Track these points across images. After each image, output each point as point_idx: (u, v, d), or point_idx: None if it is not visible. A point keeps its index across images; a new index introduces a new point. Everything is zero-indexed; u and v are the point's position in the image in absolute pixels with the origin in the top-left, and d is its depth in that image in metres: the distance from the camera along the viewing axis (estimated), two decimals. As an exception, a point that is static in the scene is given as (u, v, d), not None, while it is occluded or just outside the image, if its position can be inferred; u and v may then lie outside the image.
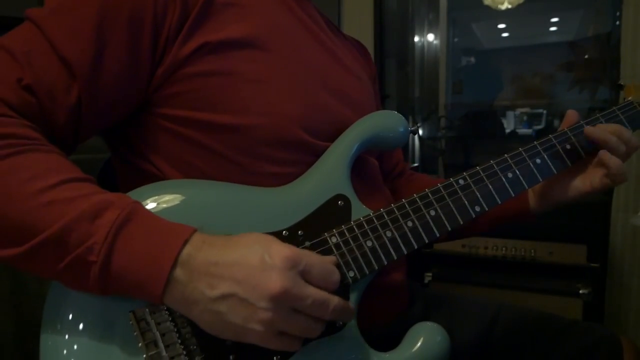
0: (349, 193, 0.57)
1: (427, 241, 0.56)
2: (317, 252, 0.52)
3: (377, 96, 0.85)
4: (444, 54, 2.66)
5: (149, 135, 0.57)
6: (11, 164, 0.44)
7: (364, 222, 0.55)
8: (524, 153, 0.63)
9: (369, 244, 0.54)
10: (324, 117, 0.60)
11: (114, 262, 0.43)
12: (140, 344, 0.46)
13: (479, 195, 0.59)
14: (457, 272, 1.56)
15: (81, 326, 0.47)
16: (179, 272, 0.44)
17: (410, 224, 0.56)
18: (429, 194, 0.58)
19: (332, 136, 0.60)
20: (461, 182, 0.59)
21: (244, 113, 0.55)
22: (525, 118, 3.00)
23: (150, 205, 0.50)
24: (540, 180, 0.63)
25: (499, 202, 0.60)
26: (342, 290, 0.51)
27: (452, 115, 2.68)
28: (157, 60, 0.53)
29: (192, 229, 0.46)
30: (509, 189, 0.61)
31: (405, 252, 0.55)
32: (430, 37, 2.66)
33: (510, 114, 2.95)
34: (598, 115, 0.68)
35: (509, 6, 2.47)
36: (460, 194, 0.59)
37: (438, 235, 0.57)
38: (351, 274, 0.52)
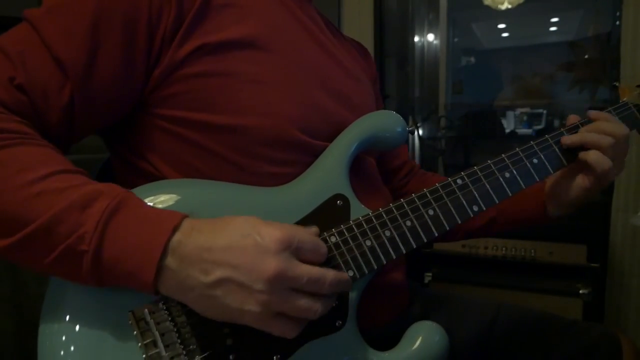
0: (348, 193, 0.57)
1: (425, 240, 0.56)
2: None
3: (379, 97, 0.85)
4: (444, 54, 2.66)
5: (147, 135, 0.57)
6: (1, 157, 0.44)
7: (362, 222, 0.55)
8: (520, 153, 0.63)
9: (368, 243, 0.54)
10: (322, 118, 0.60)
11: (105, 251, 0.43)
12: (139, 344, 0.46)
13: (476, 195, 0.59)
14: (457, 272, 1.56)
15: (79, 326, 0.47)
16: (169, 260, 0.44)
17: (408, 223, 0.56)
18: (427, 194, 0.58)
19: (331, 137, 0.61)
20: (459, 181, 0.60)
21: (242, 114, 0.55)
22: (525, 118, 3.00)
23: (148, 204, 0.50)
24: (537, 179, 0.63)
25: (497, 202, 0.60)
26: None
27: (452, 115, 2.68)
28: (154, 61, 0.53)
29: (181, 215, 0.46)
30: (507, 188, 0.61)
31: (404, 252, 0.55)
32: (430, 37, 2.66)
33: (510, 114, 2.95)
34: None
35: (509, 6, 2.47)
36: (459, 193, 0.59)
37: (437, 234, 0.57)
38: (350, 273, 0.52)
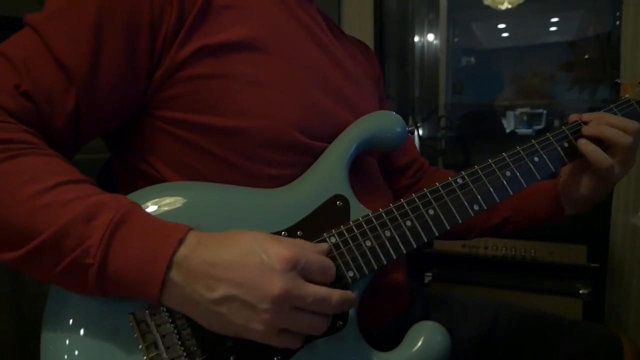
0: (348, 193, 0.57)
1: (426, 240, 0.56)
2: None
3: (383, 97, 0.85)
4: (444, 54, 2.66)
5: (147, 137, 0.57)
6: (7, 167, 0.44)
7: (362, 222, 0.55)
8: (522, 152, 0.63)
9: (368, 243, 0.54)
10: (322, 119, 0.60)
11: (110, 264, 0.43)
12: (140, 346, 0.46)
13: (477, 194, 0.59)
14: (457, 272, 1.56)
15: (81, 328, 0.47)
16: (174, 274, 0.44)
17: (409, 223, 0.56)
18: (428, 194, 0.58)
19: (330, 138, 0.60)
20: (460, 181, 0.59)
21: (242, 116, 0.55)
22: (525, 118, 3.00)
23: (149, 207, 0.50)
24: (539, 178, 0.63)
25: (497, 201, 0.60)
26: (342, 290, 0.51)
27: (452, 115, 2.68)
28: (155, 63, 0.53)
29: (186, 228, 0.46)
30: (508, 187, 0.61)
31: (405, 252, 0.55)
32: (430, 37, 2.66)
33: (510, 114, 2.95)
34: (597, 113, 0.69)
35: (509, 6, 2.47)
36: (459, 192, 0.59)
37: (437, 234, 0.57)
38: (350, 274, 0.52)
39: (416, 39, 2.57)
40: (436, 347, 0.55)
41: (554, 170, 0.64)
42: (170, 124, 0.55)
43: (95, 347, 0.46)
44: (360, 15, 1.89)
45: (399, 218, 0.56)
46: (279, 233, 0.53)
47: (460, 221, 0.58)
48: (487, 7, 2.53)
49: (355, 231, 0.54)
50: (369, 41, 1.89)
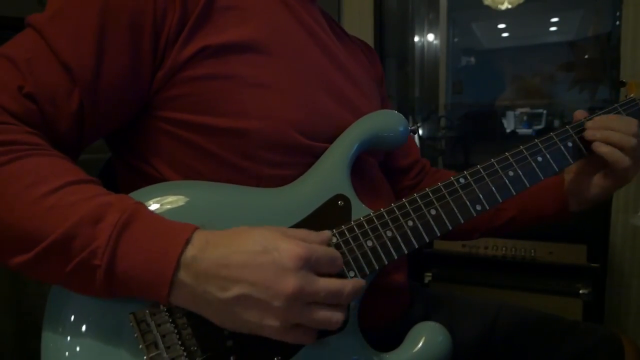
0: (349, 193, 0.57)
1: (427, 240, 0.56)
2: None
3: (385, 98, 0.85)
4: (444, 54, 2.66)
5: (148, 137, 0.57)
6: (13, 169, 0.44)
7: (364, 222, 0.55)
8: (525, 151, 0.63)
9: (370, 243, 0.54)
10: (323, 120, 0.60)
11: (117, 265, 0.43)
12: (140, 346, 0.46)
13: (479, 194, 0.59)
14: (457, 272, 1.56)
15: (82, 328, 0.47)
16: (183, 275, 0.44)
17: (410, 223, 0.56)
18: (430, 193, 0.58)
19: (332, 138, 0.60)
20: (462, 180, 0.59)
21: (243, 117, 0.55)
22: (525, 118, 3.00)
23: (150, 206, 0.50)
24: (542, 178, 0.63)
25: (500, 201, 0.60)
26: None
27: (452, 115, 2.68)
28: (158, 63, 0.53)
29: (192, 228, 0.46)
30: (510, 187, 0.61)
31: (406, 252, 0.55)
32: (430, 37, 2.66)
33: (510, 114, 2.95)
34: (600, 112, 0.68)
35: (509, 6, 2.47)
36: (461, 192, 0.59)
37: (439, 234, 0.57)
38: (352, 274, 0.52)
39: (416, 39, 2.57)
40: (437, 348, 0.55)
41: (557, 170, 0.64)
42: (172, 125, 0.55)
43: (95, 347, 0.46)
44: (360, 15, 1.89)
45: (400, 218, 0.56)
46: (280, 232, 0.53)
47: (462, 221, 0.58)
48: (487, 7, 2.53)
49: (357, 231, 0.54)
50: (369, 41, 1.88)
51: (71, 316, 0.47)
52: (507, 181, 0.60)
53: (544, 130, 2.85)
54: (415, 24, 2.55)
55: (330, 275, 0.46)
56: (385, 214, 0.56)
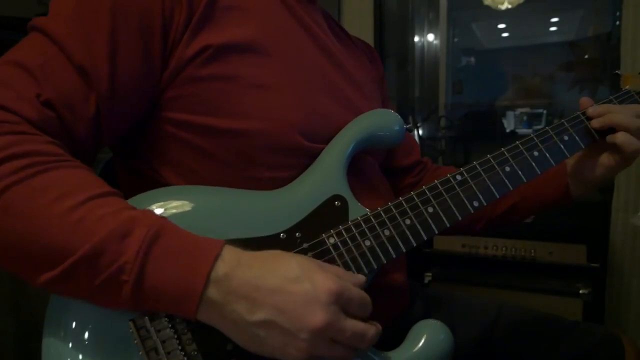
0: (346, 193, 0.57)
1: (425, 238, 0.56)
2: (315, 254, 0.52)
3: (386, 99, 0.85)
4: (444, 54, 2.66)
5: (150, 137, 0.57)
6: (37, 183, 0.43)
7: (361, 222, 0.55)
8: (521, 146, 0.63)
9: (367, 243, 0.54)
10: (323, 121, 0.60)
11: (146, 280, 0.43)
12: (140, 352, 0.46)
13: (476, 190, 0.59)
14: (457, 272, 1.56)
15: (82, 334, 0.47)
16: (212, 292, 0.43)
17: (408, 222, 0.56)
18: (426, 191, 0.58)
19: (330, 140, 0.60)
20: (458, 177, 0.59)
21: (244, 118, 0.54)
22: (525, 118, 2.99)
23: (156, 211, 0.50)
24: (539, 172, 0.63)
25: (497, 197, 0.60)
26: None
27: (452, 115, 2.68)
28: (165, 63, 0.53)
29: (221, 243, 0.45)
30: (507, 182, 0.61)
31: (404, 250, 0.55)
32: (430, 37, 2.66)
33: (510, 114, 2.94)
34: (595, 105, 0.69)
35: (509, 6, 2.47)
36: (458, 189, 0.59)
37: (437, 232, 0.57)
38: (351, 273, 0.52)
39: (416, 39, 2.57)
40: (439, 346, 0.55)
41: (554, 164, 0.64)
42: (173, 125, 0.55)
43: (96, 353, 0.46)
44: (360, 15, 1.88)
45: (398, 217, 0.56)
46: (277, 234, 0.53)
47: (459, 218, 0.58)
48: (487, 7, 2.52)
49: (354, 231, 0.54)
50: (369, 41, 1.88)
51: (72, 322, 0.47)
52: (503, 177, 0.61)
53: (544, 130, 2.83)
54: (415, 24, 2.55)
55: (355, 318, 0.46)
56: (382, 213, 0.56)
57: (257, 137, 0.55)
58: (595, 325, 0.74)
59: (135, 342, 0.46)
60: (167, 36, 0.52)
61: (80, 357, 0.46)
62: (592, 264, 1.41)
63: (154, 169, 0.57)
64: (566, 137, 0.65)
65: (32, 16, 0.54)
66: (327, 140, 0.60)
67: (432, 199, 0.57)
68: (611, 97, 0.70)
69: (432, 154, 2.46)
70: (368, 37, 1.89)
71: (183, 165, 0.56)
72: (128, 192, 0.51)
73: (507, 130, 2.83)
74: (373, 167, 0.69)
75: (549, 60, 2.82)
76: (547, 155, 0.63)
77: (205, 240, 0.46)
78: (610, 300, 1.51)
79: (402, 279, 0.67)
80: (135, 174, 0.60)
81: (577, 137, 0.66)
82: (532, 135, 0.64)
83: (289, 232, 0.53)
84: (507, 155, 0.62)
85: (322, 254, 0.52)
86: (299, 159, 0.58)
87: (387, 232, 0.55)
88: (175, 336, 0.46)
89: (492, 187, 0.60)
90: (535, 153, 0.63)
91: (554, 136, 0.65)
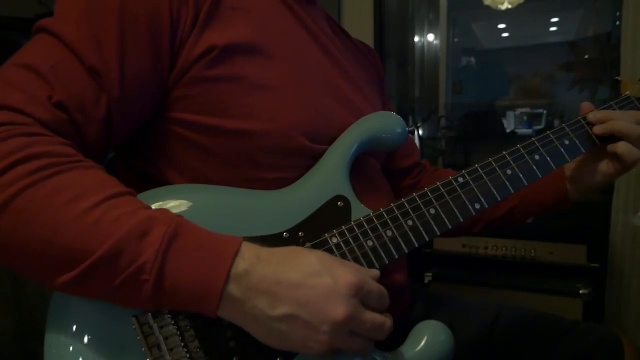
0: (349, 194, 0.57)
1: (427, 239, 0.57)
2: None
3: (387, 100, 0.85)
4: (444, 54, 2.66)
5: (154, 137, 0.57)
6: (52, 185, 0.43)
7: (363, 222, 0.55)
8: (522, 150, 0.63)
9: (370, 243, 0.54)
10: (326, 122, 0.60)
11: (166, 279, 0.43)
12: (143, 348, 0.46)
13: (478, 193, 0.59)
14: (457, 272, 1.56)
15: (85, 332, 0.47)
16: (233, 288, 0.44)
17: (410, 222, 0.56)
18: (428, 193, 0.58)
19: (333, 141, 0.61)
20: (460, 180, 0.60)
21: (249, 118, 0.55)
22: (525, 118, 2.99)
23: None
24: (540, 176, 0.63)
25: (498, 199, 0.60)
26: None
27: (452, 115, 2.68)
28: (173, 63, 0.53)
29: (239, 240, 0.45)
30: (508, 185, 0.61)
31: (406, 251, 0.55)
32: (430, 37, 2.66)
33: (510, 114, 2.94)
34: (596, 110, 0.69)
35: (509, 6, 2.47)
36: (460, 191, 0.59)
37: (439, 233, 0.57)
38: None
39: (416, 39, 2.57)
40: (439, 346, 0.55)
41: (554, 168, 0.64)
42: (178, 125, 0.55)
43: (98, 350, 0.46)
44: (360, 15, 1.89)
45: (400, 217, 0.56)
46: (280, 233, 0.53)
47: (461, 220, 0.58)
48: (487, 7, 2.52)
49: (357, 231, 0.54)
50: (369, 41, 1.89)
51: (74, 319, 0.47)
52: (504, 180, 0.61)
53: (543, 131, 2.83)
54: (415, 24, 2.55)
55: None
56: (384, 214, 0.56)
57: (262, 137, 0.55)
58: (595, 325, 0.74)
59: (138, 338, 0.46)
60: (175, 36, 0.52)
61: (83, 353, 0.46)
62: (592, 264, 1.41)
63: (157, 168, 0.57)
64: (567, 142, 0.65)
65: (32, 16, 0.54)
66: (329, 142, 0.60)
67: (434, 201, 0.58)
68: (611, 103, 0.71)
69: (432, 154, 2.46)
70: (368, 37, 1.89)
71: (187, 165, 0.56)
72: None
73: (507, 131, 2.83)
74: (375, 168, 0.70)
75: (549, 60, 2.82)
76: (548, 158, 0.64)
77: (223, 237, 0.46)
78: (610, 300, 1.51)
79: (403, 279, 0.67)
80: (137, 173, 0.60)
81: (577, 142, 0.66)
82: (533, 139, 0.65)
83: (292, 231, 0.54)
84: (509, 158, 0.62)
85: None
86: (301, 159, 0.58)
87: (389, 233, 0.55)
88: (178, 333, 0.47)
89: (493, 190, 0.60)
90: (537, 156, 0.63)
91: (555, 140, 0.65)
